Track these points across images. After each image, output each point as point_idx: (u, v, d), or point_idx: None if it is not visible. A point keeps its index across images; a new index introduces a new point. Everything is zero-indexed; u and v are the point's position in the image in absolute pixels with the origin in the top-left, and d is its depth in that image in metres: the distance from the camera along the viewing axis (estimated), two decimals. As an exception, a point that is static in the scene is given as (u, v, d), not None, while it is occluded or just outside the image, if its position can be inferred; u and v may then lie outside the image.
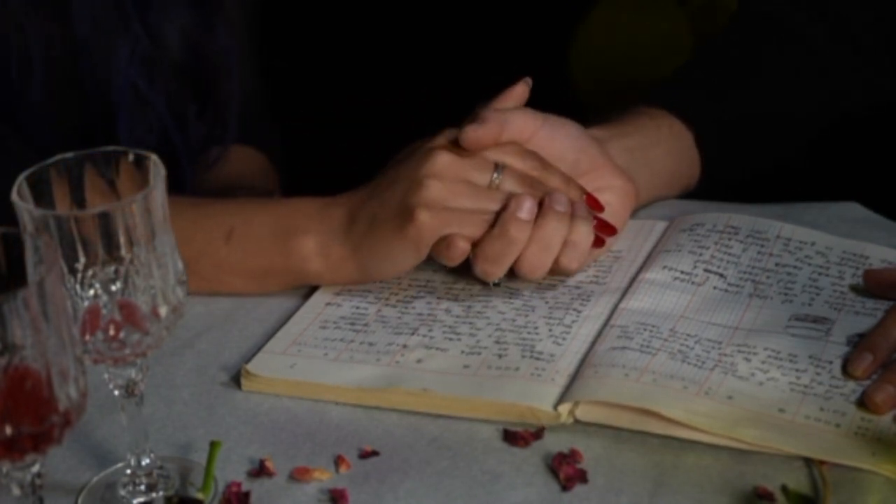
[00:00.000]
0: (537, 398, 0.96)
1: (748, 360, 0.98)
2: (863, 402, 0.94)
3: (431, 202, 1.03)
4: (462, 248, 1.03)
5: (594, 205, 1.08)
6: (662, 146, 1.17)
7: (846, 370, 0.97)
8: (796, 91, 1.23)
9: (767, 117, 1.22)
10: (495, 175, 1.06)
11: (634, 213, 1.16)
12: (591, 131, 1.13)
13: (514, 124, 1.08)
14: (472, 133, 1.06)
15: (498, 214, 1.04)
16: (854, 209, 1.18)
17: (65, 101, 1.22)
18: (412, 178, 1.05)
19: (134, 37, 1.24)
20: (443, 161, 1.05)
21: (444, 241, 1.03)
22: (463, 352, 1.02)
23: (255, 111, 1.43)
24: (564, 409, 0.95)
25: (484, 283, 1.09)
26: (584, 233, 1.04)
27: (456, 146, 1.07)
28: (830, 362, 0.98)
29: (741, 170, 1.22)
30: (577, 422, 0.96)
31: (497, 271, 1.05)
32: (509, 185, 1.06)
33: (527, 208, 1.03)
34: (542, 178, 1.07)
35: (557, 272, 1.07)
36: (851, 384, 0.96)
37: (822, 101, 1.24)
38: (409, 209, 1.03)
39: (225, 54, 1.32)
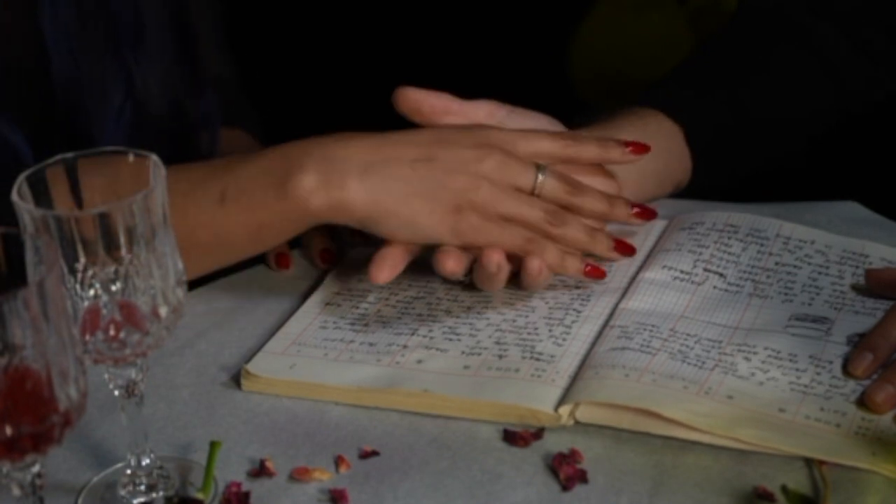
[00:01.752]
0: (538, 400, 0.96)
1: (748, 359, 0.98)
2: (863, 402, 0.94)
3: (482, 206, 1.04)
4: (497, 263, 1.04)
5: (639, 150, 1.10)
6: (649, 143, 1.17)
7: (846, 370, 0.97)
8: (799, 90, 1.22)
9: (767, 115, 1.21)
10: (539, 177, 1.06)
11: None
12: (573, 132, 1.14)
13: (478, 111, 1.10)
14: (409, 92, 1.09)
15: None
16: (854, 209, 1.18)
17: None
18: (467, 171, 1.05)
19: (121, 99, 1.22)
20: (490, 165, 1.05)
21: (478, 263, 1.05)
22: (463, 352, 1.02)
23: (232, 97, 1.42)
24: (565, 411, 0.95)
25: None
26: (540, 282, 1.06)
27: (502, 135, 1.08)
28: (830, 362, 0.98)
29: (736, 167, 1.22)
30: (577, 423, 0.96)
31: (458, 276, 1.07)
32: (550, 186, 1.06)
33: (494, 262, 1.03)
34: (577, 153, 1.08)
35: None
36: (851, 384, 0.96)
37: (827, 101, 1.23)
38: (459, 205, 1.04)
39: (208, 118, 1.31)
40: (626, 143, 1.10)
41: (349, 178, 1.04)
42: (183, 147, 1.27)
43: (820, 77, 1.23)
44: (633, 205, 1.10)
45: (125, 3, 1.20)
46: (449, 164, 1.05)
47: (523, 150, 1.07)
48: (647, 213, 1.11)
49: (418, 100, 1.10)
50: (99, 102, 1.21)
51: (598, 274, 1.07)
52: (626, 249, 1.10)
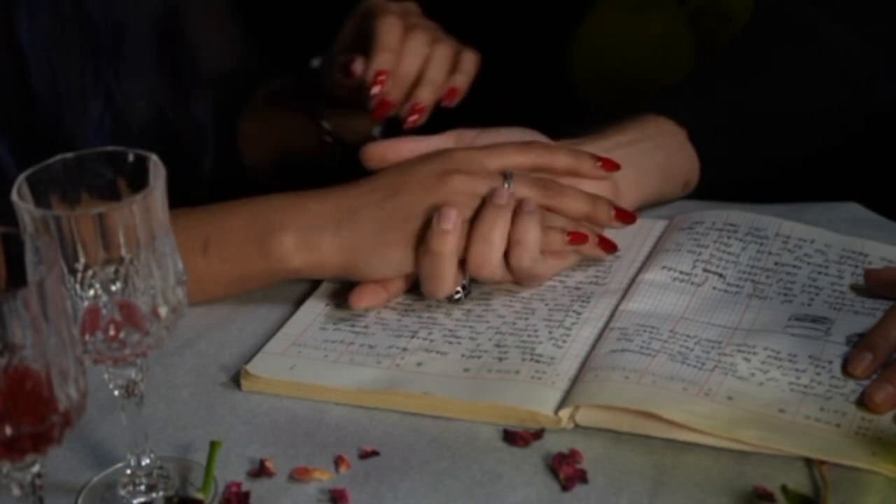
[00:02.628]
0: (538, 402, 0.96)
1: (748, 360, 0.98)
2: (863, 402, 0.94)
3: (454, 226, 1.04)
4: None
5: (608, 166, 1.11)
6: (648, 142, 1.16)
7: (846, 370, 0.97)
8: (800, 89, 1.22)
9: (772, 114, 1.21)
10: (507, 186, 1.06)
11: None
12: (564, 140, 1.14)
13: (446, 143, 1.11)
14: (372, 148, 1.10)
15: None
16: (854, 209, 1.18)
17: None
18: (432, 199, 1.05)
19: (101, 108, 1.22)
20: (455, 184, 1.06)
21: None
22: (463, 355, 1.02)
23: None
24: (565, 414, 0.95)
25: (482, 285, 1.09)
26: (527, 228, 1.04)
27: (465, 155, 1.08)
28: (830, 362, 0.98)
29: (740, 167, 1.22)
30: (577, 426, 0.96)
31: (438, 290, 1.05)
32: (522, 193, 1.07)
33: (450, 218, 1.03)
34: (548, 162, 1.09)
35: (518, 275, 1.07)
36: (851, 384, 0.96)
37: (833, 99, 1.23)
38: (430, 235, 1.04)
39: (199, 128, 1.30)
40: (598, 159, 1.11)
41: (325, 237, 1.06)
42: (171, 154, 1.27)
43: (824, 75, 1.22)
44: (613, 206, 1.10)
45: (105, 12, 1.20)
46: (414, 193, 1.06)
47: (492, 165, 1.09)
48: (624, 216, 1.11)
49: (384, 153, 1.11)
50: (78, 111, 1.21)
51: (581, 239, 1.07)
52: (609, 246, 1.09)
